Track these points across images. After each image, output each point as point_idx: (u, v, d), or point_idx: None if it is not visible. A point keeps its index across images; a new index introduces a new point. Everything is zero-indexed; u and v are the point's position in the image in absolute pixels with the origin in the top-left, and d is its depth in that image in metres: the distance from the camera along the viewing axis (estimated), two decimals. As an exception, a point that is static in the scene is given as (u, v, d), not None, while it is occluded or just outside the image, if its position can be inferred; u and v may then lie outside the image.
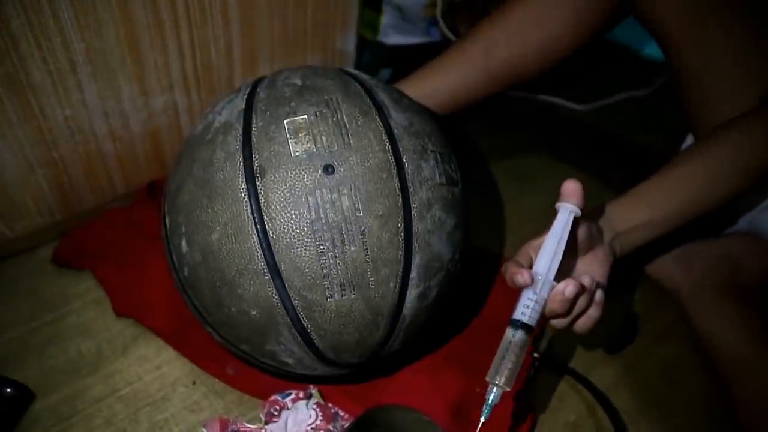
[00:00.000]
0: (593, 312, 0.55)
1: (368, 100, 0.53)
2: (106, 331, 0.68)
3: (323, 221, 0.48)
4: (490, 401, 0.50)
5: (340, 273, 0.49)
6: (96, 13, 0.64)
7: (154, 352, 0.66)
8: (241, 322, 0.51)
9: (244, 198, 0.48)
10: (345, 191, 0.48)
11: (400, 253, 0.50)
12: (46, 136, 0.68)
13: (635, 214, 0.60)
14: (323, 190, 0.48)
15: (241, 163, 0.49)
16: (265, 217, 0.48)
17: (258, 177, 0.48)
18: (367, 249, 0.48)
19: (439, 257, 0.53)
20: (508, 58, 0.78)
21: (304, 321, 0.50)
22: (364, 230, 0.48)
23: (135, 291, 0.69)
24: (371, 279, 0.49)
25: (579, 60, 0.83)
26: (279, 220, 0.48)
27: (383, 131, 0.51)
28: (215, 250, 0.50)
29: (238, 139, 0.50)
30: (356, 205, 0.48)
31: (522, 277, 0.51)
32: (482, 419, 0.50)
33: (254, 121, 0.51)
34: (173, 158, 0.58)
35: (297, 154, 0.49)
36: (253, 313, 0.50)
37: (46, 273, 0.73)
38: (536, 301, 0.51)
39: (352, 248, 0.48)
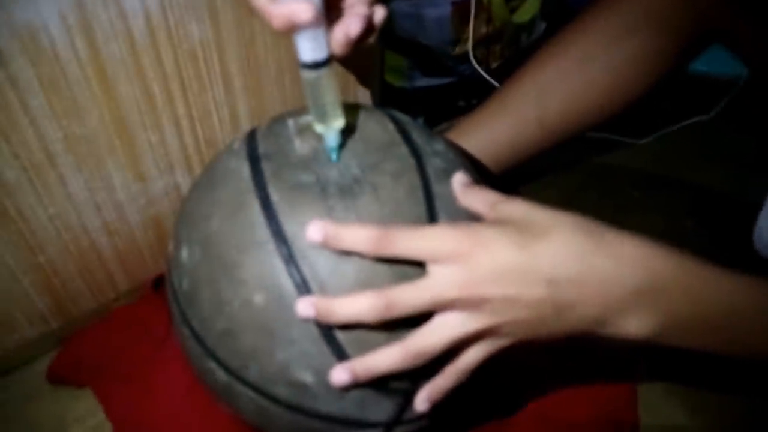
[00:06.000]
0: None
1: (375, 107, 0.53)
2: (107, 465, 0.58)
3: (332, 180, 0.45)
4: (333, 145, 0.46)
5: None
6: (73, 97, 0.55)
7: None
8: (245, 321, 0.43)
9: (247, 177, 0.46)
10: (353, 157, 0.47)
11: (422, 209, 0.44)
12: (29, 240, 0.59)
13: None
14: (330, 157, 0.47)
15: (245, 153, 0.48)
16: (267, 183, 0.45)
17: (263, 159, 0.47)
18: (381, 202, 0.44)
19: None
20: (564, 110, 0.66)
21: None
22: (376, 185, 0.45)
23: (138, 415, 0.58)
24: None
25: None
26: (281, 185, 0.45)
27: (388, 119, 0.50)
28: (215, 233, 0.45)
29: (242, 141, 0.50)
30: (365, 167, 0.46)
31: (305, 12, 0.40)
32: (334, 158, 0.47)
33: (258, 131, 0.51)
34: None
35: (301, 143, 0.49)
36: (258, 299, 0.42)
37: (41, 393, 0.64)
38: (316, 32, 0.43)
39: (364, 198, 0.44)
